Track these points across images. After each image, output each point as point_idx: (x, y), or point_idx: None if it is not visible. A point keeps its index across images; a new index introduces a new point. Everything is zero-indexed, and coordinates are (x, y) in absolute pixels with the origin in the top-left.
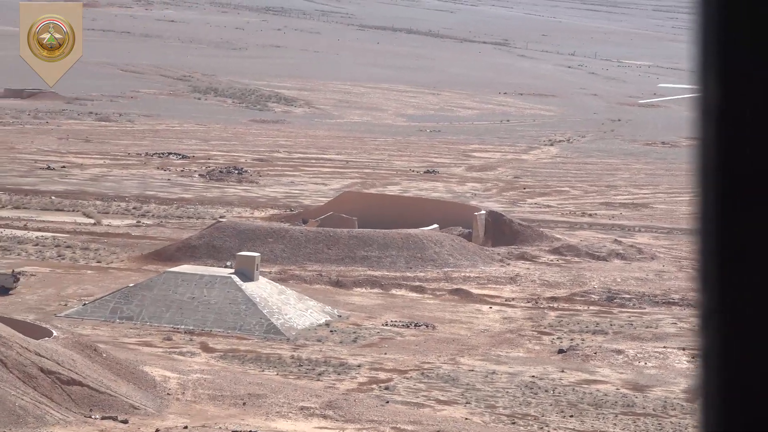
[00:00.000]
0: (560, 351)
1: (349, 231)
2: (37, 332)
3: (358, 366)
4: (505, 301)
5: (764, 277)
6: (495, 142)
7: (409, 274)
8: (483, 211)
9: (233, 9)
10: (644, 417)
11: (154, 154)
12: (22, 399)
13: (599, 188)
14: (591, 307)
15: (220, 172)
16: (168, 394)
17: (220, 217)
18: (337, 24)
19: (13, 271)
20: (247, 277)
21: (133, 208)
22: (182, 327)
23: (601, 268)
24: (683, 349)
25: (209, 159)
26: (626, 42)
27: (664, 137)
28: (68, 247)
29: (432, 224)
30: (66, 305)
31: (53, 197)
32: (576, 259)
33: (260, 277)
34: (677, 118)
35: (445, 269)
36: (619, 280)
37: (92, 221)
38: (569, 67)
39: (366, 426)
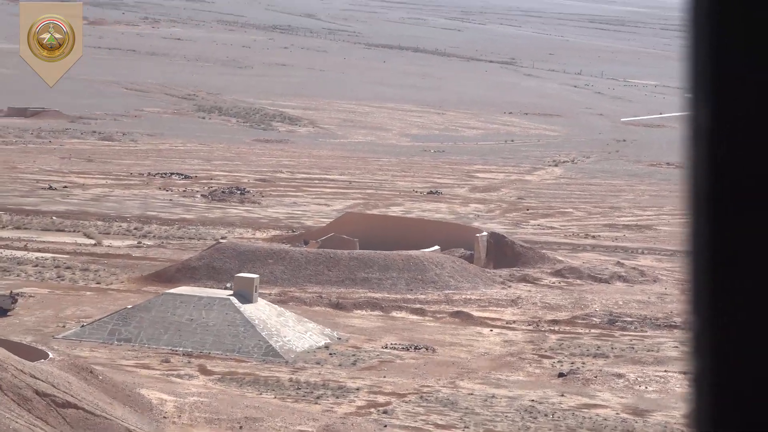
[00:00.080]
0: (560, 375)
1: (350, 252)
2: (33, 354)
3: (357, 389)
4: (506, 323)
5: (757, 296)
6: (499, 162)
7: (409, 296)
8: (485, 233)
9: (240, 27)
10: None
11: (156, 174)
12: (17, 422)
13: (603, 210)
14: (592, 330)
15: (222, 192)
16: (164, 417)
17: (221, 238)
18: (343, 42)
19: (11, 292)
20: (246, 298)
21: (135, 229)
22: (180, 349)
23: (603, 290)
24: (685, 374)
25: (211, 179)
26: (633, 61)
27: (669, 158)
28: (68, 268)
29: (433, 246)
30: (64, 327)
31: (54, 217)
32: (578, 281)
33: (259, 298)
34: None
35: (446, 291)
36: (621, 302)
37: (93, 242)
38: (575, 86)
39: None
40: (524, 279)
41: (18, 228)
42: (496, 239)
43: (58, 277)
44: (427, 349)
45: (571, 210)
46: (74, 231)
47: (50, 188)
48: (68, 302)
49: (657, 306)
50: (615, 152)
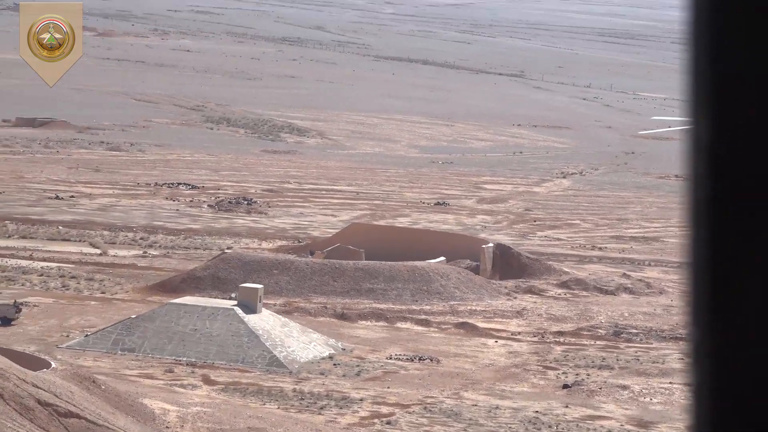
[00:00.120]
0: (565, 386)
1: (355, 263)
2: (36, 364)
3: (361, 400)
4: (511, 335)
5: (757, 310)
6: (507, 174)
7: (414, 307)
8: (491, 244)
9: (249, 39)
10: None
11: (163, 184)
12: (19, 431)
13: (610, 221)
14: (597, 342)
15: (229, 202)
16: (167, 427)
17: (227, 248)
18: (353, 54)
19: (15, 301)
20: (250, 309)
21: (141, 239)
22: (184, 359)
23: (608, 302)
24: (690, 385)
25: (219, 189)
26: (643, 74)
27: (677, 170)
28: (73, 277)
29: (439, 257)
30: (68, 336)
31: (60, 227)
32: (584, 293)
33: (263, 309)
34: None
35: (451, 302)
36: (626, 314)
37: (98, 251)
38: (584, 99)
39: None
40: (530, 290)
41: (24, 237)
42: (502, 250)
43: (63, 286)
44: (431, 360)
45: (578, 222)
46: (80, 240)
47: (57, 198)
48: (72, 312)
49: (663, 318)
50: (623, 164)
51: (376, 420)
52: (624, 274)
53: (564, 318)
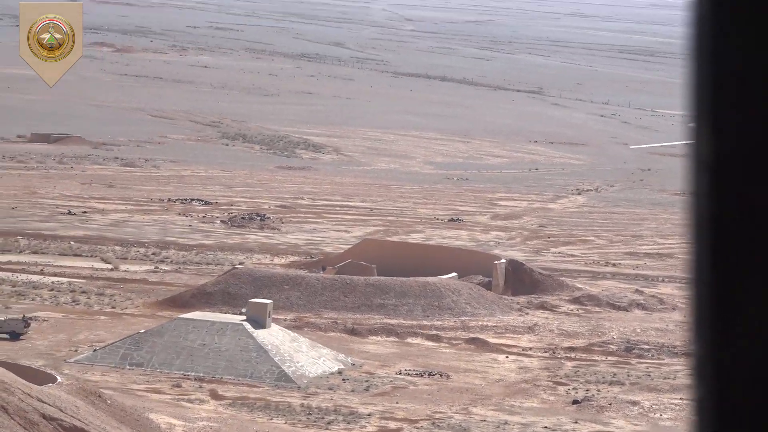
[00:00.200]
0: (575, 402)
1: (366, 279)
2: (42, 378)
3: (369, 415)
4: (522, 350)
5: (759, 326)
6: (522, 190)
7: (425, 322)
8: (503, 260)
9: (268, 55)
10: None
11: (177, 200)
12: None
13: (624, 238)
14: (609, 358)
15: (242, 218)
16: None
17: (239, 263)
18: (371, 71)
19: (24, 316)
20: (259, 324)
21: (152, 254)
22: (192, 374)
23: (621, 318)
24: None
25: (232, 205)
26: (662, 91)
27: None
28: (83, 292)
29: (451, 272)
30: (76, 351)
31: (72, 242)
32: (596, 308)
33: (272, 324)
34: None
35: (463, 318)
36: (638, 330)
37: (110, 267)
38: (602, 115)
39: None
40: (542, 306)
41: (35, 252)
42: (514, 266)
43: (73, 301)
44: (441, 376)
45: (592, 238)
46: (91, 256)
47: (69, 213)
48: (82, 326)
49: (675, 334)
50: (639, 181)
51: None
52: (637, 290)
53: (576, 334)
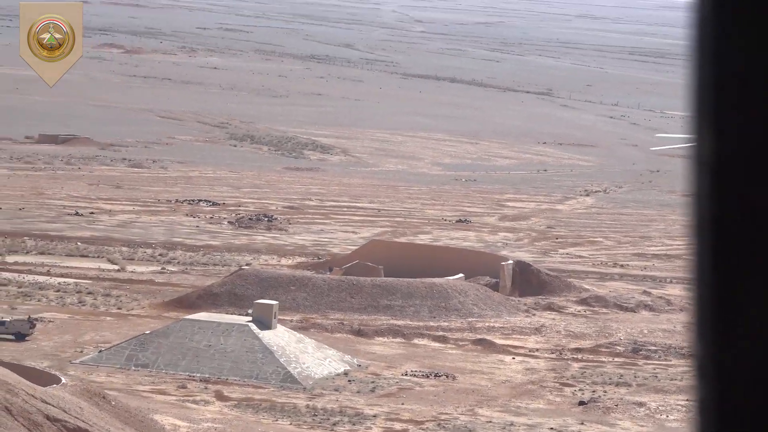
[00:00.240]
0: (581, 403)
1: (373, 280)
2: (46, 379)
3: (374, 416)
4: (529, 351)
5: (760, 327)
6: (530, 191)
7: (432, 323)
8: (510, 261)
9: (277, 57)
10: None
11: (184, 200)
12: None
13: (633, 239)
14: (616, 359)
15: (250, 219)
16: None
17: (246, 264)
18: (380, 72)
19: (29, 317)
20: (265, 325)
21: (159, 255)
22: (198, 375)
23: (628, 319)
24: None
25: (240, 206)
26: (672, 93)
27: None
28: (89, 293)
29: (458, 274)
30: (82, 352)
31: (79, 243)
32: (603, 310)
33: (278, 325)
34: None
35: (469, 319)
36: (645, 331)
37: (116, 267)
38: (611, 117)
39: None
40: (549, 307)
41: (42, 253)
42: (521, 267)
43: (79, 302)
44: (447, 377)
45: (600, 239)
46: (98, 257)
47: (76, 214)
48: (88, 327)
49: (682, 335)
50: (648, 182)
51: None
52: (644, 291)
53: (583, 335)
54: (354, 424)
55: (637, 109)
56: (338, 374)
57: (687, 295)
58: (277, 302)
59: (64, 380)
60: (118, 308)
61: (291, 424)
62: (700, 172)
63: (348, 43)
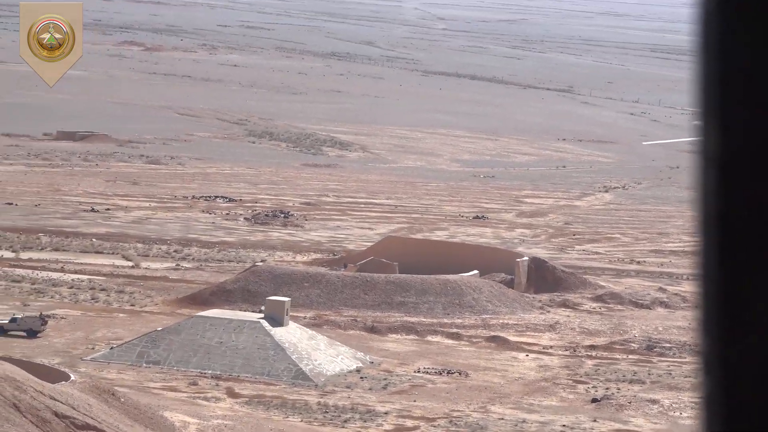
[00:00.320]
0: (594, 400)
1: (387, 276)
2: (56, 376)
3: (385, 413)
4: (543, 348)
5: (766, 324)
6: (549, 188)
7: (446, 320)
8: (525, 258)
9: (298, 54)
10: None
11: (200, 197)
12: None
13: (650, 235)
14: (630, 356)
15: (266, 215)
16: None
17: (261, 261)
18: (401, 69)
19: (41, 313)
20: (277, 322)
21: (174, 251)
22: (209, 372)
23: (643, 316)
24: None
25: (256, 203)
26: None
27: None
28: (103, 290)
29: (472, 270)
30: (93, 349)
31: (94, 239)
32: (619, 306)
33: (290, 322)
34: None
35: (484, 316)
36: (660, 328)
37: (131, 264)
38: (632, 114)
39: None
40: (564, 304)
41: (56, 250)
42: (537, 264)
43: (93, 299)
44: (460, 374)
45: (618, 235)
46: (113, 253)
47: (92, 210)
48: (100, 324)
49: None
50: (667, 179)
51: None
52: (660, 288)
53: (597, 332)
54: (365, 421)
55: (658, 106)
56: (350, 371)
57: (694, 291)
58: (289, 299)
59: (73, 377)
60: (131, 305)
61: (302, 420)
62: (706, 167)
63: (369, 40)
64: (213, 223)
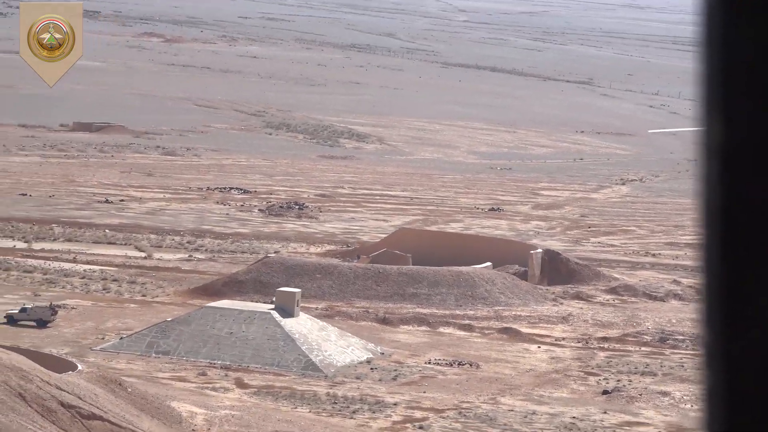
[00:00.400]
0: (605, 392)
1: (399, 268)
2: (63, 366)
3: (395, 404)
4: (555, 340)
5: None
6: (565, 180)
7: (458, 311)
8: (539, 250)
9: (318, 46)
10: None
11: (215, 188)
12: None
13: (666, 228)
14: (642, 348)
15: (280, 207)
16: (193, 430)
17: (274, 252)
18: (420, 61)
19: (51, 303)
20: (287, 312)
21: (187, 242)
22: (219, 362)
23: (657, 308)
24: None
25: (271, 194)
26: None
27: None
28: (115, 280)
29: (486, 262)
30: (103, 339)
31: (107, 230)
32: (632, 299)
33: (301, 313)
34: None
35: (496, 308)
36: (674, 321)
37: (143, 255)
38: (651, 106)
39: None
40: (577, 296)
41: (69, 240)
42: (550, 256)
43: (104, 289)
44: (470, 365)
45: (633, 228)
46: (126, 244)
47: (106, 201)
48: (110, 314)
49: None
50: (685, 171)
51: (408, 425)
52: (675, 280)
53: (610, 324)
54: (374, 412)
55: (678, 98)
56: (361, 362)
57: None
58: (299, 290)
59: (80, 367)
60: (143, 295)
61: (310, 411)
62: (709, 160)
63: (390, 32)
64: (227, 214)
